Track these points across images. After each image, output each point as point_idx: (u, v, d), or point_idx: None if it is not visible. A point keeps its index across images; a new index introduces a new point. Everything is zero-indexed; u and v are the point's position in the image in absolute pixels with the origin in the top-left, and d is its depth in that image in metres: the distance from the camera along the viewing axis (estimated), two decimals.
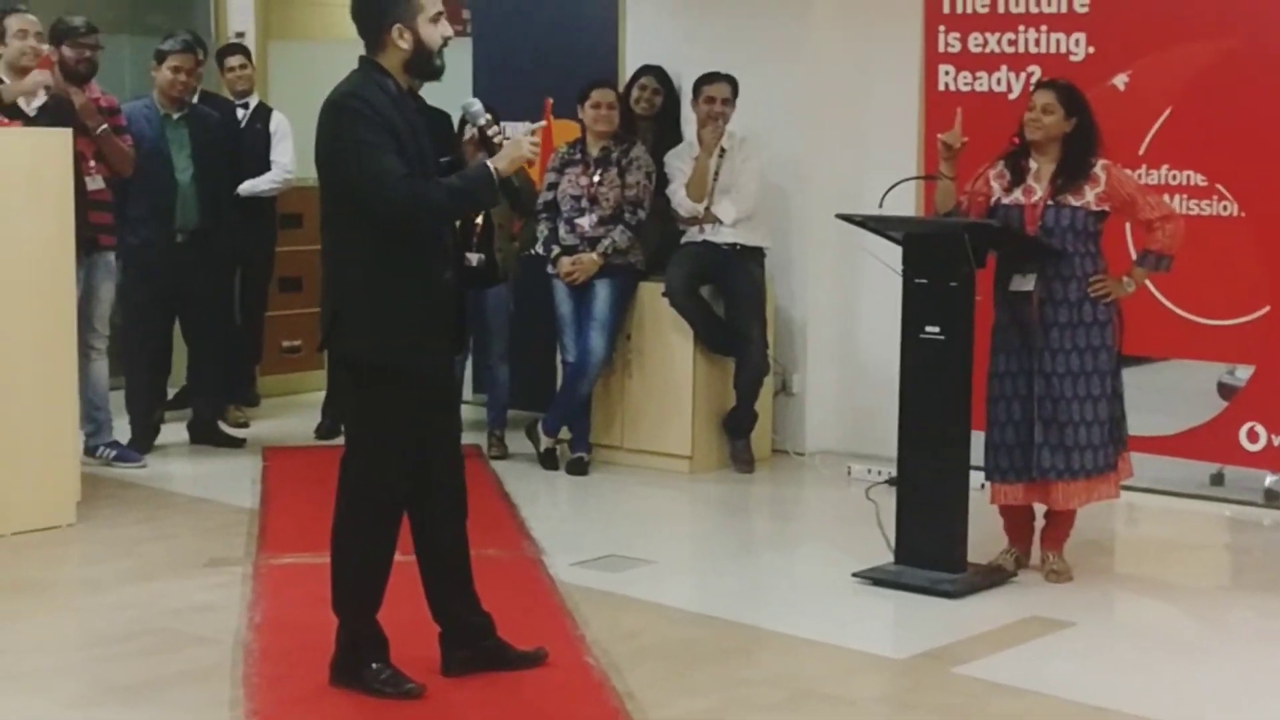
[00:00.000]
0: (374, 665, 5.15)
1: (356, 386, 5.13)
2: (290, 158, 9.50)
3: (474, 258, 8.37)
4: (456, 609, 5.32)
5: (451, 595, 5.31)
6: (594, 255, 8.28)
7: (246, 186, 9.42)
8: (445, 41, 5.06)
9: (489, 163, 5.04)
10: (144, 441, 8.63)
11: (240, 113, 9.54)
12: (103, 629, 5.91)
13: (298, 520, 7.33)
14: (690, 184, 8.34)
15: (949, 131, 6.55)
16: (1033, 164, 6.51)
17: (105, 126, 8.12)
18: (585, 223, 8.32)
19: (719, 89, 8.37)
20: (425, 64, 5.04)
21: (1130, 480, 6.77)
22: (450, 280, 5.14)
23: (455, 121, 8.27)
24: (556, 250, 8.37)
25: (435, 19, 5.02)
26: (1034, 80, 7.50)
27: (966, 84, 8.27)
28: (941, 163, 6.58)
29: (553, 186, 8.41)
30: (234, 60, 9.64)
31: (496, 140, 5.10)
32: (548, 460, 8.49)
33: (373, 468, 5.11)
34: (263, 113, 9.60)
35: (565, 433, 8.53)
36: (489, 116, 5.20)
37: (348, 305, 5.05)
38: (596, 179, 8.31)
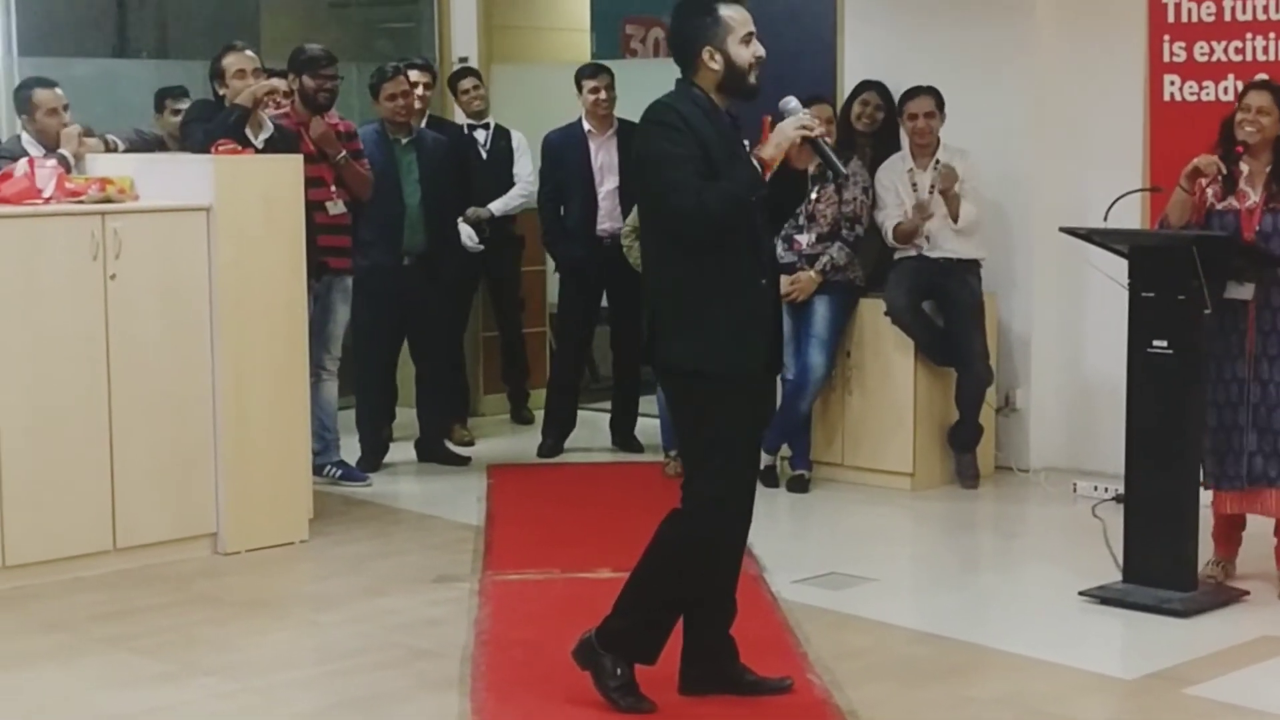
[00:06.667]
0: (612, 663, 5.16)
1: (687, 399, 5.15)
2: (530, 171, 9.69)
3: None
4: (707, 630, 5.30)
5: (709, 615, 5.29)
6: (812, 273, 8.26)
7: (499, 205, 9.63)
8: (757, 60, 5.12)
9: (754, 153, 5.09)
10: (373, 460, 8.81)
11: (482, 135, 9.76)
12: (335, 643, 6.05)
13: (522, 537, 7.43)
14: (899, 231, 8.28)
15: (1208, 157, 6.42)
16: (1244, 168, 6.42)
17: (344, 153, 8.30)
18: (803, 240, 8.32)
19: (920, 104, 8.29)
20: (739, 83, 5.12)
21: None
22: (767, 288, 5.16)
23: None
24: None
25: (746, 40, 5.09)
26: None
27: (1192, 93, 8.12)
28: (1183, 178, 6.45)
29: None
30: (466, 83, 9.86)
31: (816, 135, 5.13)
32: (768, 478, 8.46)
33: (721, 484, 5.08)
34: (503, 133, 9.79)
35: (785, 450, 8.53)
36: (807, 112, 5.20)
37: (664, 314, 5.12)
38: (814, 196, 8.30)
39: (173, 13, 10.72)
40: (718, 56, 5.08)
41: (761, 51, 5.15)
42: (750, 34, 5.11)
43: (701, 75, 5.11)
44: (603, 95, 9.04)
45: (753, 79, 5.13)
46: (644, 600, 5.19)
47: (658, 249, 5.17)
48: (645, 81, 9.34)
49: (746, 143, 5.19)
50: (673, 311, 5.10)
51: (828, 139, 5.27)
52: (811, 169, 8.23)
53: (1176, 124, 8.11)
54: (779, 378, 8.44)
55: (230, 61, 7.79)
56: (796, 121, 5.08)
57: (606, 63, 9.62)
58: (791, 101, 5.22)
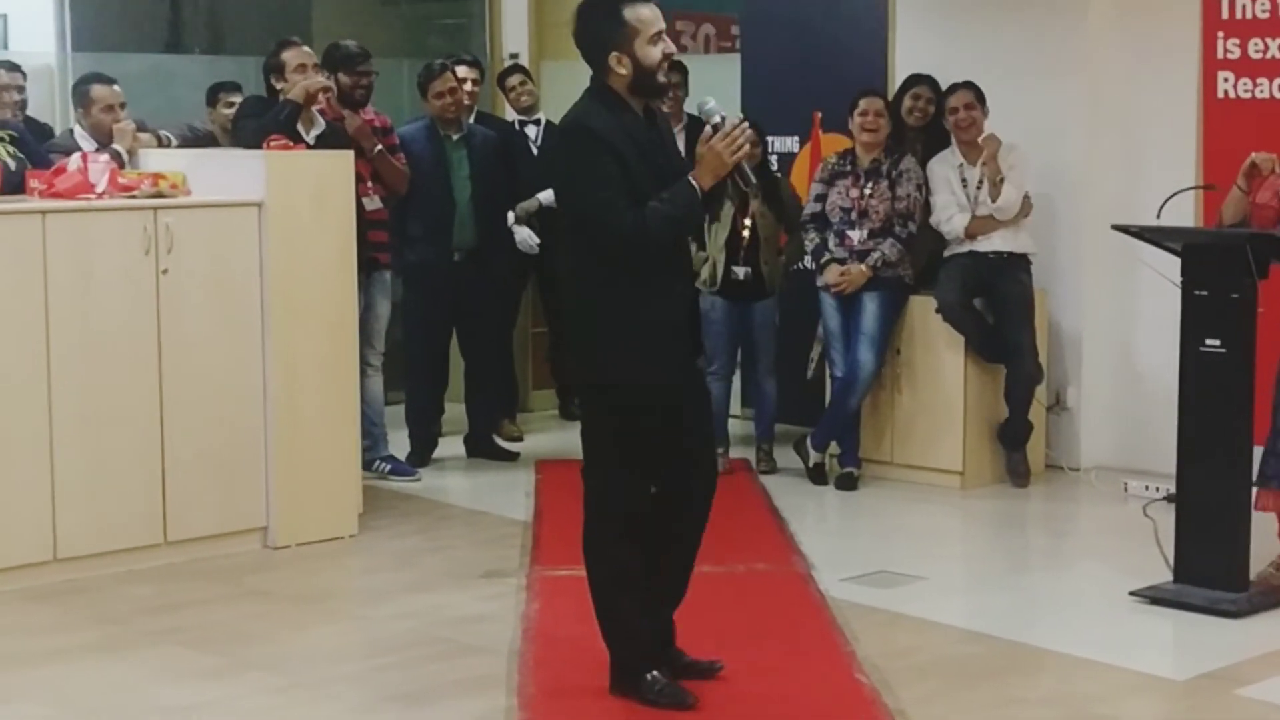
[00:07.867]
0: (650, 676, 5.20)
1: (586, 401, 5.24)
2: None
3: (741, 271, 8.41)
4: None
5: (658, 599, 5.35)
6: (862, 267, 8.23)
7: (546, 195, 9.61)
8: (666, 58, 5.06)
9: (691, 179, 5.05)
10: (423, 454, 8.83)
11: (533, 130, 9.74)
12: (383, 638, 6.07)
13: (570, 532, 7.32)
14: (973, 226, 8.25)
15: (1265, 154, 6.36)
16: None
17: (380, 147, 8.33)
18: (855, 236, 8.28)
19: (959, 97, 8.29)
20: (648, 84, 5.08)
21: None
22: (682, 294, 5.19)
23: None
24: (827, 256, 8.34)
25: (654, 39, 5.03)
26: None
27: (1246, 90, 8.06)
28: (1240, 176, 6.40)
29: (820, 198, 8.38)
30: (513, 79, 9.85)
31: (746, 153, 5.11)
32: (816, 475, 8.46)
33: (605, 483, 5.19)
34: (553, 130, 9.78)
35: (834, 447, 8.50)
36: (724, 114, 5.13)
37: (577, 320, 5.16)
38: (867, 191, 8.27)
39: (225, 9, 10.78)
40: (625, 61, 5.02)
41: (671, 48, 5.09)
42: (659, 32, 5.03)
43: (612, 79, 5.07)
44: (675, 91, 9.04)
45: (661, 78, 5.07)
46: (596, 603, 5.30)
47: (577, 262, 5.15)
48: (698, 78, 9.41)
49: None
50: (589, 323, 5.11)
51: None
52: (865, 164, 8.23)
53: (1230, 121, 8.06)
54: (828, 375, 8.50)
55: (290, 56, 7.85)
56: (728, 146, 5.00)
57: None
58: (710, 102, 5.16)
